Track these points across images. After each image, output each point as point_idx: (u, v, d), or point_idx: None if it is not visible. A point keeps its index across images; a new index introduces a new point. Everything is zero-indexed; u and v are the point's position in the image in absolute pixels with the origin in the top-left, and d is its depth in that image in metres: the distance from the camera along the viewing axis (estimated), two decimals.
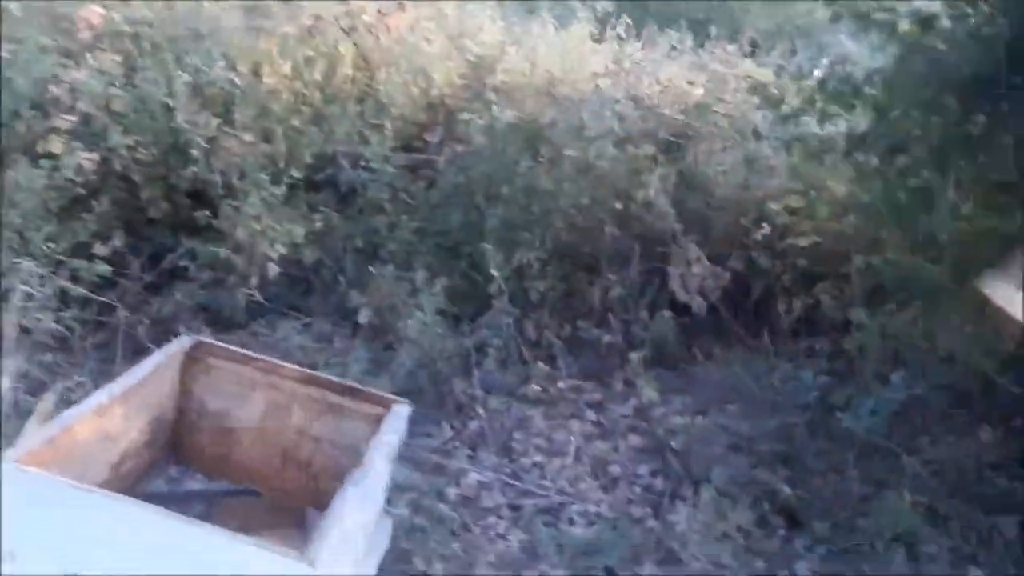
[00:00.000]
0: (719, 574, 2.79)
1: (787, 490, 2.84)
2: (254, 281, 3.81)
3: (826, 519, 2.83)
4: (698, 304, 3.73)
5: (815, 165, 3.44)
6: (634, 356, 3.59)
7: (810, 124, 3.38)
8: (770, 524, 2.93)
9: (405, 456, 3.22)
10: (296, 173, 3.99)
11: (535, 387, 3.67)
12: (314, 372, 2.50)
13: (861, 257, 3.22)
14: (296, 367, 2.42)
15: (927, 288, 3.11)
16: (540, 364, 3.76)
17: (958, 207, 2.86)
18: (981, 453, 2.93)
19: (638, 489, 3.17)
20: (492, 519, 3.02)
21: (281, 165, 4.00)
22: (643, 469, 3.25)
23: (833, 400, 3.09)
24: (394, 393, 3.50)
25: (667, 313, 3.73)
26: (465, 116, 4.26)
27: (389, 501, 2.87)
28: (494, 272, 3.72)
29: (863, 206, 3.20)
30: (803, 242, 3.50)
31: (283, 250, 3.81)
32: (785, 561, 2.83)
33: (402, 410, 2.23)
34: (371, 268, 3.92)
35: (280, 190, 3.86)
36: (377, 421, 2.22)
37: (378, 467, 2.01)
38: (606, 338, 3.74)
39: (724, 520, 2.91)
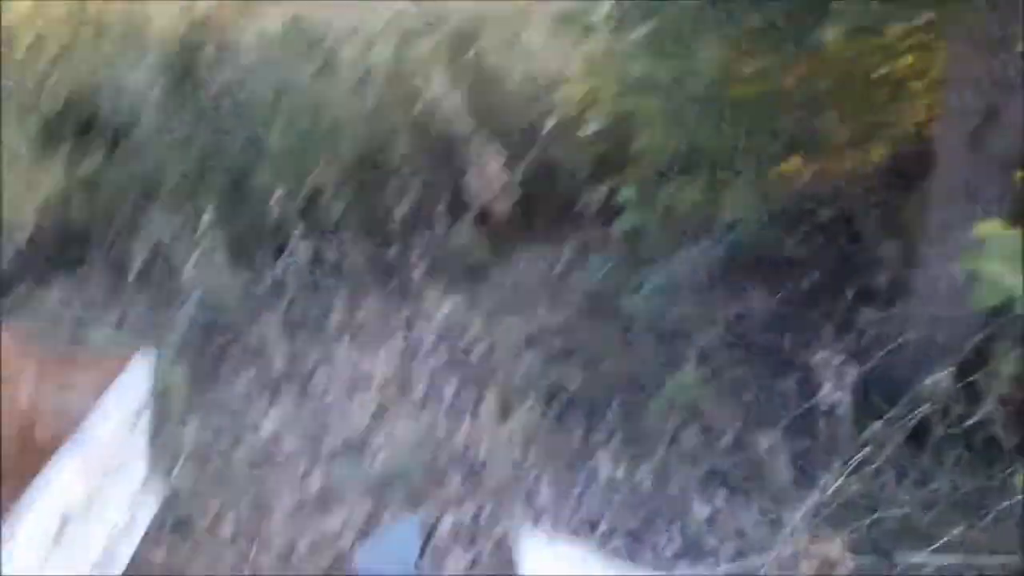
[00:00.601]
0: (521, 477, 2.79)
1: (580, 383, 2.83)
2: (16, 239, 3.49)
3: (619, 407, 2.85)
4: (498, 206, 3.63)
5: (589, 45, 3.32)
6: (437, 270, 3.49)
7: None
8: (568, 420, 2.94)
9: (197, 408, 3.08)
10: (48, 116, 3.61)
11: (337, 316, 3.53)
12: (31, 337, 2.28)
13: (642, 137, 3.16)
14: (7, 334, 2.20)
15: (708, 159, 3.11)
16: (343, 292, 3.62)
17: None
18: (765, 320, 2.99)
19: (445, 406, 3.12)
20: (293, 462, 2.91)
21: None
22: (450, 384, 3.20)
23: (618, 284, 3.08)
24: (183, 344, 3.34)
25: (468, 219, 3.62)
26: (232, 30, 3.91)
27: (168, 462, 2.74)
28: (279, 203, 3.51)
29: (634, 84, 3.13)
30: (591, 128, 3.41)
31: (41, 202, 3.47)
32: (585, 455, 2.86)
33: (140, 366, 2.06)
34: (146, 213, 3.63)
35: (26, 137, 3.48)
36: (106, 384, 2.04)
37: (105, 434, 1.86)
38: (409, 254, 3.60)
39: (523, 422, 2.91)
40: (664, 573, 2.15)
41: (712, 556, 2.42)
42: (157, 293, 3.57)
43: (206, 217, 3.48)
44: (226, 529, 2.60)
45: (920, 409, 2.34)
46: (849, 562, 1.85)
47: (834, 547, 1.78)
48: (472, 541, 2.60)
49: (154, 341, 3.13)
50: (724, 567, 2.18)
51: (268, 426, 3.06)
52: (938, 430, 2.36)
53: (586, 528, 2.54)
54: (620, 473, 2.77)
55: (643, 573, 1.74)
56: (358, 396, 3.16)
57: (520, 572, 1.48)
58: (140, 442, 2.03)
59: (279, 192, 3.57)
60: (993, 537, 2.16)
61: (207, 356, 3.35)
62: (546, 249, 3.60)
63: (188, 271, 3.40)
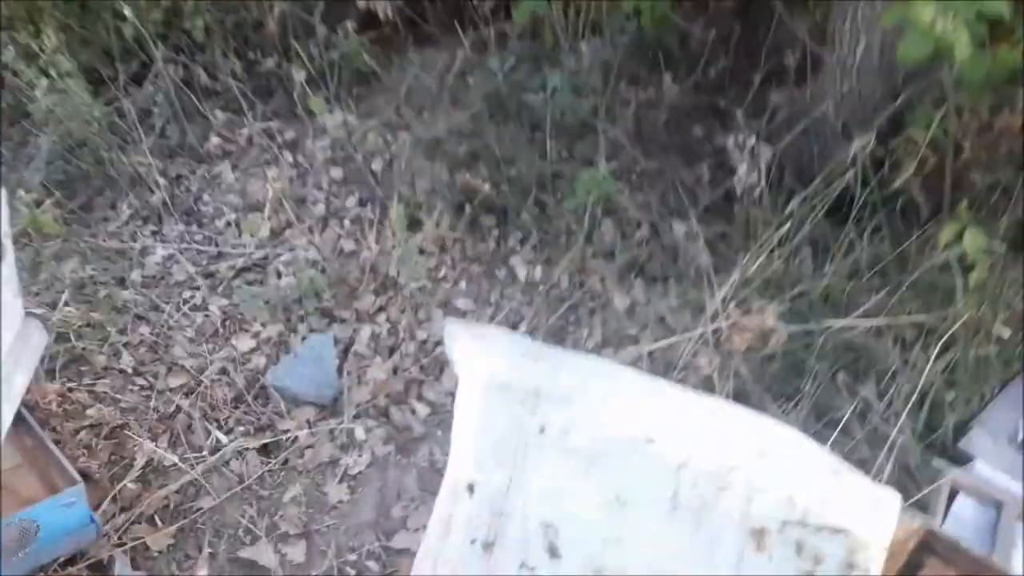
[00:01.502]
0: (437, 286, 2.73)
1: (488, 187, 2.72)
2: None
3: (531, 208, 2.78)
4: (383, 7, 3.34)
5: None
6: (323, 81, 3.22)
7: None
8: (480, 226, 2.86)
9: (74, 245, 2.84)
10: None
11: (217, 140, 3.26)
12: None
13: None
14: None
15: None
16: (220, 113, 3.33)
17: None
18: (672, 107, 2.92)
19: (347, 223, 2.97)
20: (187, 293, 2.75)
21: None
22: (350, 201, 3.04)
23: (520, 83, 2.93)
24: (48, 181, 3.03)
25: (351, 25, 3.32)
26: None
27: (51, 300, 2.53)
28: (133, 24, 3.12)
29: None
30: None
31: None
32: (500, 260, 2.80)
33: None
34: None
35: None
36: None
37: None
38: (289, 67, 3.30)
39: (434, 232, 2.81)
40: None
41: (635, 342, 2.45)
42: (7, 128, 3.20)
43: (50, 40, 3.07)
44: (127, 361, 2.46)
45: (836, 183, 2.35)
46: (783, 330, 1.89)
47: (768, 316, 1.80)
48: (392, 350, 2.55)
49: (10, 183, 2.84)
50: (649, 347, 2.20)
51: (156, 257, 2.86)
52: (856, 202, 2.40)
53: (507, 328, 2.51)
54: (538, 274, 2.74)
55: (573, 352, 1.72)
56: (251, 219, 2.97)
57: (450, 356, 1.42)
58: (12, 284, 1.81)
59: (130, 10, 3.16)
60: (913, 297, 2.26)
61: (77, 192, 3.06)
62: (440, 51, 3.38)
63: (40, 101, 3.03)
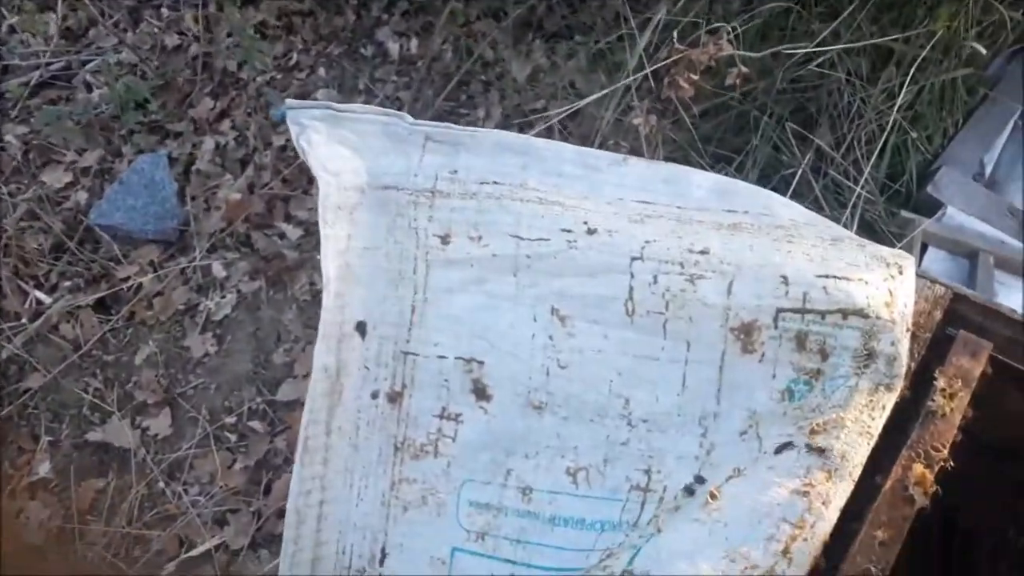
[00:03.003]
0: (284, 76, 2.28)
1: None
2: None
3: None
4: None
5: None
6: None
7: None
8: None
9: None
10: None
11: None
12: None
13: None
14: None
15: None
16: None
17: None
18: None
19: (164, 11, 2.44)
20: None
21: None
22: None
23: None
24: None
25: None
26: None
27: None
28: None
29: None
30: None
31: None
32: (364, 35, 2.35)
33: None
34: None
35: None
36: None
37: None
38: None
39: (275, 7, 2.31)
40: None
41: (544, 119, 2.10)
42: None
43: None
44: None
45: None
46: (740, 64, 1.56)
47: (722, 44, 1.47)
48: (244, 163, 2.13)
49: None
50: (560, 114, 1.85)
51: None
52: None
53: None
54: (413, 47, 2.31)
55: (472, 130, 1.37)
56: (37, 19, 2.39)
57: (303, 155, 1.04)
58: None
59: None
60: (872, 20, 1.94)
61: None
62: None
63: None
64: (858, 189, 1.73)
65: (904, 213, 1.85)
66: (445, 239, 1.05)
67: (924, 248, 1.80)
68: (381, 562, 1.08)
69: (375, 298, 1.09)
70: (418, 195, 1.06)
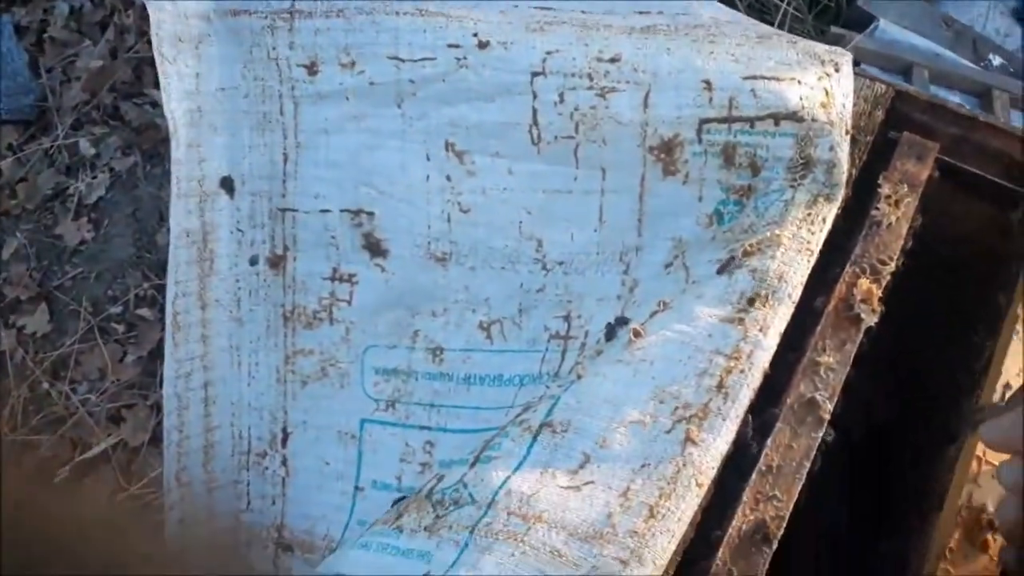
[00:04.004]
0: None
1: None
2: None
3: None
4: None
5: None
6: None
7: None
8: None
9: None
10: None
11: None
12: None
13: None
14: None
15: None
16: None
17: None
18: None
19: None
20: None
21: None
22: None
23: None
24: None
25: None
26: None
27: None
28: None
29: None
30: None
31: None
32: None
33: None
34: None
35: None
36: None
37: None
38: None
39: None
40: None
41: None
42: None
43: None
44: None
45: None
46: None
47: None
48: (104, 26, 1.90)
49: None
50: None
51: None
52: None
53: None
54: None
55: None
56: None
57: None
58: None
59: None
60: None
61: None
62: None
63: None
64: (784, 6, 1.60)
65: (834, 29, 1.73)
66: (312, 69, 0.90)
67: (856, 66, 1.70)
68: (284, 442, 0.98)
69: (239, 148, 0.95)
70: (274, 18, 0.90)
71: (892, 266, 0.78)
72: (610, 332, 0.84)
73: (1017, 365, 0.74)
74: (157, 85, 1.81)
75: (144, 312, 1.56)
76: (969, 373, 0.82)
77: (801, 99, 0.84)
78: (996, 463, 0.69)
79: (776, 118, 0.84)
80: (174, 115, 0.91)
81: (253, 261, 0.98)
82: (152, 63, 1.79)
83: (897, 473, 0.91)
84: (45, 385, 1.48)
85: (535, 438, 0.74)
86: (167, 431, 0.94)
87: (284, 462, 0.98)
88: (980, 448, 0.70)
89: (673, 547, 0.62)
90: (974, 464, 0.70)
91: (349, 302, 0.97)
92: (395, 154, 0.93)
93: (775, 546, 0.63)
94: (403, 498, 0.84)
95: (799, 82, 0.85)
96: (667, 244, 0.88)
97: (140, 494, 1.24)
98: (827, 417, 0.69)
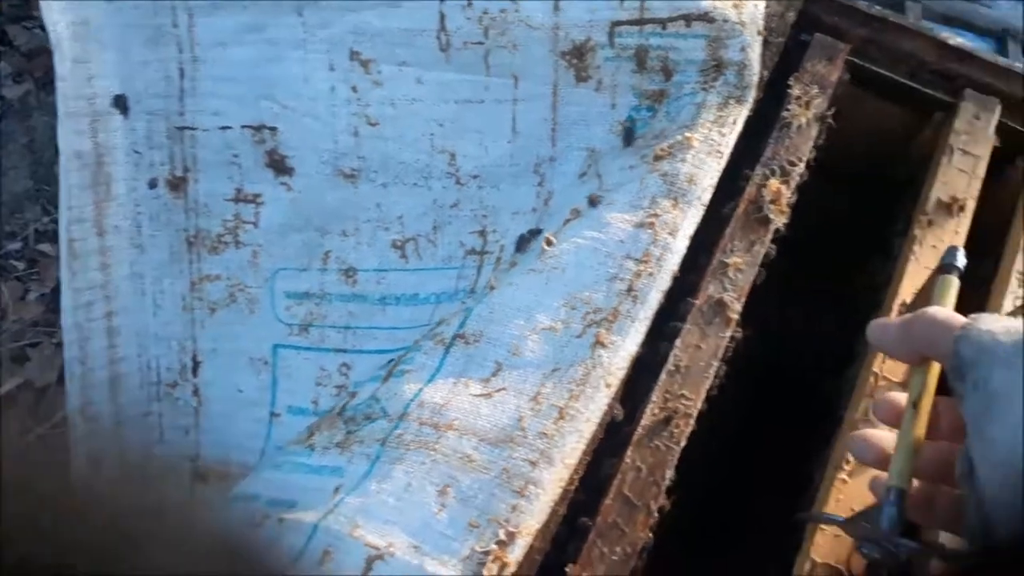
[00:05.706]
0: None
1: None
2: None
3: None
4: None
5: None
6: None
7: None
8: None
9: None
10: None
11: None
12: None
13: None
14: None
15: None
16: None
17: None
18: None
19: None
20: None
21: None
22: None
23: None
24: None
25: None
26: None
27: None
28: None
29: None
30: None
31: None
32: None
33: None
34: None
35: None
36: None
37: None
38: None
39: None
40: None
41: None
42: None
43: None
44: None
45: None
46: None
47: None
48: None
49: None
50: None
51: None
52: None
53: None
54: None
55: None
56: None
57: None
58: None
59: None
60: None
61: None
62: None
63: None
64: None
65: None
66: None
67: None
68: (194, 371, 0.97)
69: (131, 64, 0.92)
70: None
71: (801, 167, 0.80)
72: (522, 243, 0.85)
73: (914, 285, 0.76)
74: None
75: (45, 247, 1.51)
76: (873, 291, 0.85)
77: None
78: (893, 379, 0.72)
79: (688, 19, 0.84)
80: (56, 27, 0.87)
81: (152, 184, 0.96)
82: None
83: (809, 391, 0.94)
84: None
85: (447, 350, 0.75)
86: (68, 364, 0.92)
87: (196, 391, 0.97)
88: (878, 364, 0.72)
89: (582, 447, 0.64)
90: (871, 380, 0.72)
91: (255, 224, 0.95)
92: (297, 65, 0.90)
93: (684, 444, 0.65)
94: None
95: None
96: (581, 154, 0.89)
97: (49, 435, 1.21)
98: (735, 317, 0.71)
